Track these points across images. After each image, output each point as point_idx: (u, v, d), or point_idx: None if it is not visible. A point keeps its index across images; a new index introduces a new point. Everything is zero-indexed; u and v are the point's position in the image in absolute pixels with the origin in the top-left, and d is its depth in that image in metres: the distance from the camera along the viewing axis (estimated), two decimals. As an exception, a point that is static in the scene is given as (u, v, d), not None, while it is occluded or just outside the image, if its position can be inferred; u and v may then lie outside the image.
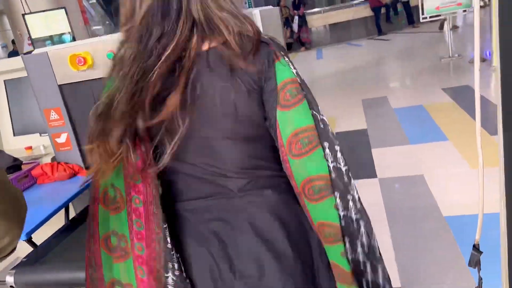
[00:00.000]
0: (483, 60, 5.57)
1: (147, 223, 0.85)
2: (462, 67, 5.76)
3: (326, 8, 12.10)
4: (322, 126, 0.79)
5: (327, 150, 0.78)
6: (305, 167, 0.78)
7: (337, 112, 4.73)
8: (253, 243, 0.84)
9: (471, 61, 5.74)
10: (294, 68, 0.81)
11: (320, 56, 9.60)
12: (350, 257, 0.78)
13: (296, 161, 0.78)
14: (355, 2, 11.78)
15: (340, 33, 11.10)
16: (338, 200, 0.77)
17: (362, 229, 0.78)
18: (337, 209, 0.77)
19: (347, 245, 0.77)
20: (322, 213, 0.78)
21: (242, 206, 0.86)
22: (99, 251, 0.90)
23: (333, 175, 0.77)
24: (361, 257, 0.78)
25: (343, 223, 0.77)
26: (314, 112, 0.79)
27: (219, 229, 0.86)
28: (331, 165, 0.77)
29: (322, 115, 0.80)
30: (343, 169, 0.78)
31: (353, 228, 0.78)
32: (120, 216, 0.87)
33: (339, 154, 0.78)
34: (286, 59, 0.81)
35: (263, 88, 0.80)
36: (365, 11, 10.75)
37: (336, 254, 0.79)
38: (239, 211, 0.86)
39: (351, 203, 0.78)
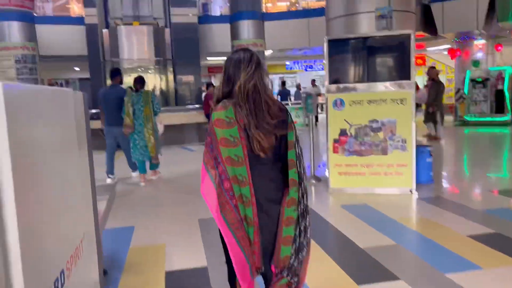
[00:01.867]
0: (318, 180, 5.58)
1: None
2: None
3: (163, 109, 11.64)
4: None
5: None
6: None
7: (168, 238, 3.76)
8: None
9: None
10: None
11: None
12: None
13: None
14: (189, 106, 11.75)
15: (174, 135, 10.63)
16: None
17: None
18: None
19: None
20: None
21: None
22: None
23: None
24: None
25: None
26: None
27: None
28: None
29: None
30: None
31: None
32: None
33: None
34: None
35: None
36: (200, 117, 10.69)
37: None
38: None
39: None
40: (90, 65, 11.88)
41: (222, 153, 1.68)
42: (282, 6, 15.29)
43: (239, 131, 1.70)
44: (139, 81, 5.90)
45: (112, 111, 5.92)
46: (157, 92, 12.25)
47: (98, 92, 6.56)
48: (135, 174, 6.45)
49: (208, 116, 10.46)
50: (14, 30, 11.59)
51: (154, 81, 12.40)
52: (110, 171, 6.11)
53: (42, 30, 12.11)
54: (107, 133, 6.06)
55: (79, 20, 12.13)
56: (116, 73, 6.16)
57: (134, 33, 11.56)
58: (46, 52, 12.32)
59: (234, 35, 13.13)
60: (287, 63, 19.38)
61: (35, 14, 12.23)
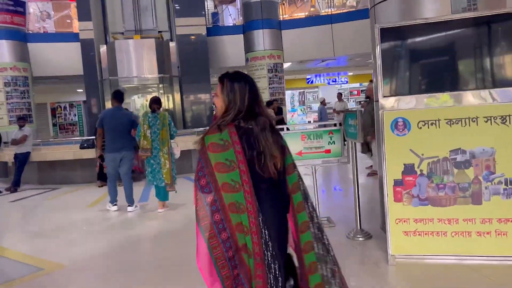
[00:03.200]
0: (368, 236, 3.83)
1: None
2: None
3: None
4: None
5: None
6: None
7: None
8: None
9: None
10: None
11: None
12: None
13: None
14: (199, 129, 10.25)
15: (181, 164, 9.09)
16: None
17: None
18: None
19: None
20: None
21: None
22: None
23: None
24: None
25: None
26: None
27: None
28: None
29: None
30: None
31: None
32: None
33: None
34: None
35: None
36: None
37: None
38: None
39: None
40: (86, 85, 10.55)
41: (218, 179, 1.62)
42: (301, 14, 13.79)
43: (236, 154, 1.62)
44: (156, 102, 5.48)
45: (117, 135, 5.41)
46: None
47: (99, 115, 5.83)
48: (131, 209, 5.57)
49: None
50: (3, 49, 10.40)
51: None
52: (114, 199, 5.63)
53: (35, 48, 10.91)
54: (109, 161, 5.49)
55: (74, 36, 10.87)
56: (120, 95, 5.68)
57: (134, 48, 10.20)
58: (40, 72, 11.10)
59: (248, 46, 11.66)
60: (308, 76, 17.77)
61: (27, 32, 11.05)
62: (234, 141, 1.62)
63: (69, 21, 13.54)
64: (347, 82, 18.20)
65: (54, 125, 15.84)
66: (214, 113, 9.68)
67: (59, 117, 15.77)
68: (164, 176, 5.29)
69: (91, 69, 10.48)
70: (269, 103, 10.22)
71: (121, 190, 5.67)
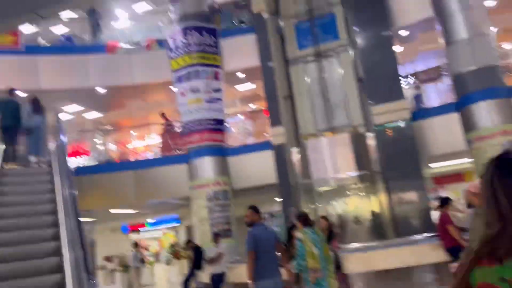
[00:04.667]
0: None
1: None
2: None
3: (377, 244, 8.15)
4: None
5: None
6: None
7: None
8: None
9: None
10: None
11: None
12: None
13: None
14: (417, 237, 7.81)
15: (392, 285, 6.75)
16: None
17: None
18: None
19: None
20: None
21: None
22: None
23: None
24: None
25: None
26: None
27: None
28: None
29: None
30: None
31: None
32: None
33: None
34: None
35: None
36: (436, 253, 6.60)
37: None
38: None
39: None
40: (280, 193, 9.74)
41: None
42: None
43: None
44: (304, 217, 5.18)
45: (269, 258, 4.68)
46: (366, 219, 8.89)
47: (250, 232, 4.80)
48: None
49: (450, 250, 6.37)
50: (207, 165, 10.79)
51: (360, 204, 9.17)
52: None
53: (234, 161, 11.03)
54: None
55: (268, 145, 10.55)
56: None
57: (327, 146, 9.07)
58: (239, 184, 11.01)
59: (469, 125, 9.11)
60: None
61: (227, 147, 11.39)
62: None
63: (266, 134, 13.84)
64: None
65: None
66: (438, 214, 7.18)
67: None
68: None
69: (284, 175, 9.72)
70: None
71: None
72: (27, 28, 12.14)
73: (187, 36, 11.19)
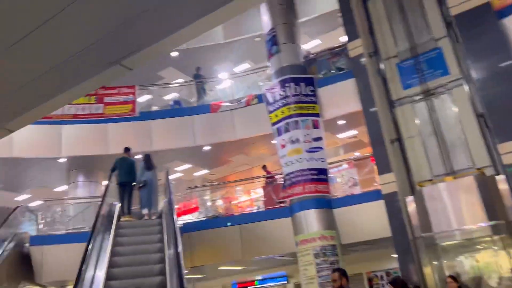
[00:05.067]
0: None
1: None
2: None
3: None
4: None
5: None
6: None
7: None
8: None
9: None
10: None
11: None
12: None
13: None
14: None
15: None
16: None
17: None
18: None
19: None
20: None
21: None
22: None
23: None
24: None
25: None
26: None
27: None
28: None
29: None
30: None
31: None
32: None
33: None
34: None
35: None
36: None
37: None
38: None
39: None
40: (396, 248, 8.66)
41: None
42: None
43: None
44: None
45: None
46: (506, 278, 7.31)
47: None
48: None
49: None
50: (312, 219, 10.25)
51: (497, 262, 7.63)
52: None
53: (341, 214, 10.32)
54: None
55: (376, 194, 9.68)
56: None
57: (448, 193, 7.92)
58: (348, 239, 10.18)
59: None
60: None
61: (332, 198, 10.76)
62: None
63: (374, 183, 12.88)
64: None
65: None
66: None
67: (376, 288, 14.07)
68: None
69: (399, 228, 8.68)
70: None
71: None
72: (143, 98, 13.52)
73: (284, 88, 11.25)
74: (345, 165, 15.07)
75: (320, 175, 10.66)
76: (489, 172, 8.37)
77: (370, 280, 14.27)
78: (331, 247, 9.91)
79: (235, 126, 11.99)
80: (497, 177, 7.99)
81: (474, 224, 7.48)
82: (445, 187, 7.98)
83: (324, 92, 11.46)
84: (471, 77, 9.09)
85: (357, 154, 14.61)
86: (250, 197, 14.29)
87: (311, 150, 10.85)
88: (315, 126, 11.12)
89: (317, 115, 11.23)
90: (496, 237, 7.69)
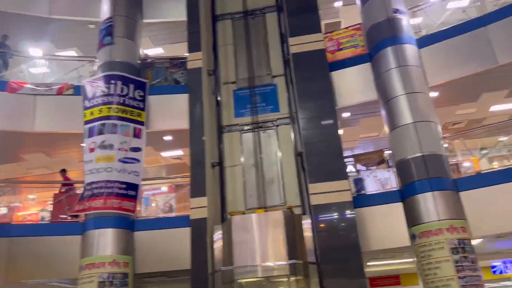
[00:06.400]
0: None
1: None
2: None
3: None
4: None
5: None
6: None
7: None
8: None
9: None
10: None
11: None
12: None
13: None
14: None
15: None
16: None
17: None
18: None
19: None
20: None
21: None
22: None
23: None
24: None
25: None
26: None
27: None
28: None
29: None
30: None
31: None
32: None
33: None
34: None
35: None
36: None
37: None
38: None
39: None
40: (192, 283, 7.71)
41: None
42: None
43: None
44: None
45: None
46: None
47: None
48: None
49: None
50: (107, 239, 8.62)
51: (290, 304, 7.39)
52: None
53: (141, 238, 8.98)
54: None
55: (186, 220, 8.71)
56: None
57: (256, 225, 7.49)
58: (143, 269, 8.83)
59: (413, 218, 8.12)
60: (495, 263, 12.59)
61: (136, 219, 9.36)
62: None
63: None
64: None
65: None
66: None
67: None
68: None
69: (201, 259, 7.83)
70: None
71: None
72: None
73: (109, 85, 9.72)
74: (164, 189, 13.91)
75: (129, 191, 9.24)
76: (298, 211, 8.37)
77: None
78: (122, 275, 8.41)
79: (35, 115, 9.69)
80: (303, 217, 7.98)
81: (275, 261, 7.12)
82: (254, 218, 7.55)
83: (155, 101, 10.32)
84: (297, 117, 9.28)
85: (180, 179, 13.64)
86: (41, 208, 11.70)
87: (125, 161, 9.41)
88: (137, 135, 9.79)
89: (141, 123, 9.96)
90: (293, 278, 7.50)
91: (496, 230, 8.05)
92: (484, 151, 10.90)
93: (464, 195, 8.10)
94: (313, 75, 9.29)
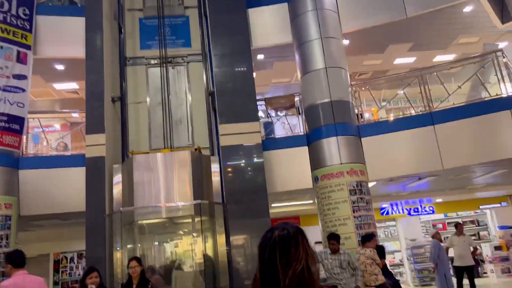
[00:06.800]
0: None
1: None
2: None
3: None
4: None
5: None
6: None
7: None
8: None
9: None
10: None
11: None
12: None
13: None
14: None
15: None
16: None
17: None
18: None
19: None
20: None
21: None
22: None
23: None
24: None
25: None
26: None
27: None
28: None
29: None
30: None
31: None
32: None
33: None
34: None
35: None
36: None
37: None
38: None
39: None
40: (87, 224, 7.10)
41: None
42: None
43: None
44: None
45: None
46: (196, 264, 6.97)
47: None
48: None
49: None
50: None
51: (192, 245, 7.22)
52: None
53: (27, 178, 7.97)
54: None
55: (78, 159, 7.88)
56: None
57: (161, 165, 7.03)
58: (31, 210, 7.92)
59: (316, 161, 8.35)
60: (383, 205, 13.92)
61: (20, 156, 8.24)
62: None
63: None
64: (433, 212, 14.14)
65: (55, 283, 12.03)
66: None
67: (63, 272, 12.05)
68: None
69: (98, 200, 7.20)
70: (367, 238, 6.58)
71: None
72: None
73: (-16, -3, 8.04)
74: (56, 126, 12.56)
75: (12, 124, 8.02)
76: (206, 152, 8.06)
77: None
78: (3, 217, 7.44)
79: None
80: (212, 158, 7.71)
81: (179, 202, 6.81)
82: (159, 158, 7.06)
83: (44, 23, 8.87)
84: (209, 55, 8.71)
85: (76, 115, 12.33)
86: None
87: (7, 89, 8.07)
88: (21, 60, 8.39)
89: (27, 46, 8.53)
90: (197, 219, 7.30)
91: (389, 174, 8.67)
92: (383, 103, 11.53)
93: (364, 141, 8.49)
94: (229, 9, 8.69)
